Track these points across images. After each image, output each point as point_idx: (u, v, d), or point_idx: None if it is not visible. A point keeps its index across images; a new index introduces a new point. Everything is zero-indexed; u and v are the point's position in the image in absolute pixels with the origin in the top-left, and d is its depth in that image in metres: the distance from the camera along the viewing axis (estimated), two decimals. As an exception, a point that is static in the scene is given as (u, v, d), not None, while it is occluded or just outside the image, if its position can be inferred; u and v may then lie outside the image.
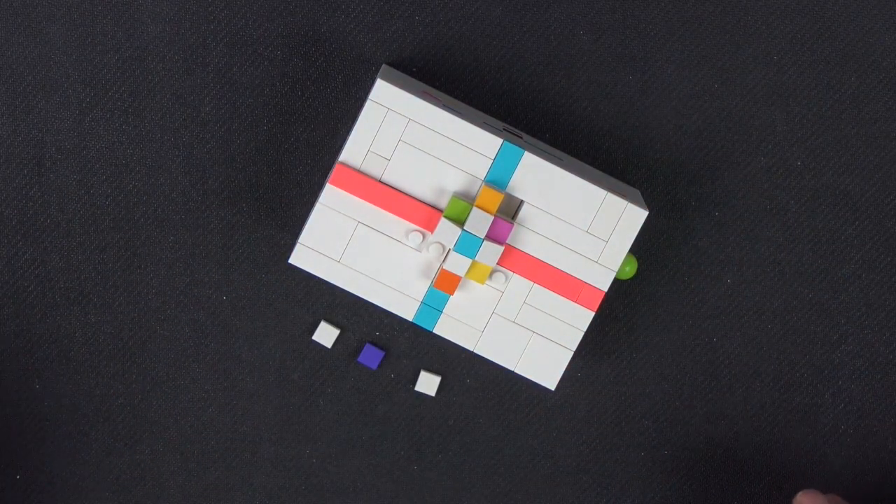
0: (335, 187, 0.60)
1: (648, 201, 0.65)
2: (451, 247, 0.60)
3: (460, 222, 0.60)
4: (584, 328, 0.62)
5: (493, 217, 0.59)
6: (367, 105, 0.59)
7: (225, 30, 0.66)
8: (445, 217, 0.60)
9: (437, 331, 0.62)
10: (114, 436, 0.66)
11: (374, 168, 0.60)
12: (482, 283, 0.61)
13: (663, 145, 0.66)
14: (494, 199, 0.60)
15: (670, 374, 0.67)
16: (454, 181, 0.60)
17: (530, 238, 0.61)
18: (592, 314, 0.62)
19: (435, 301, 0.62)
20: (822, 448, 0.67)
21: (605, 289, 0.62)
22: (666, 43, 0.66)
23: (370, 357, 0.66)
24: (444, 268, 0.60)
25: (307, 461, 0.67)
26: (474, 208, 0.59)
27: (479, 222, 0.59)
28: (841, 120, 0.67)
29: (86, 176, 0.66)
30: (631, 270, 0.63)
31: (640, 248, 0.66)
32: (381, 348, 0.66)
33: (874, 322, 0.67)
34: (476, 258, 0.60)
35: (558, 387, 0.67)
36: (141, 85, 0.66)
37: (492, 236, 0.60)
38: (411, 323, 0.66)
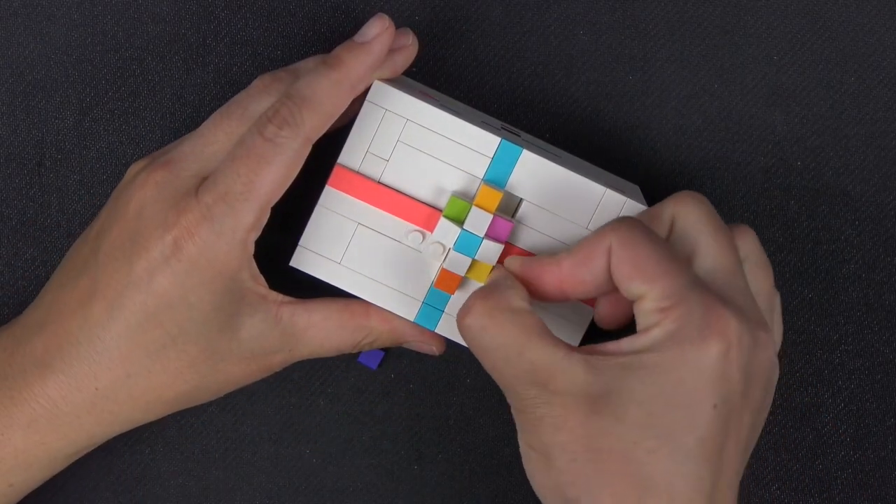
0: (334, 189, 0.60)
1: (648, 202, 0.65)
2: (451, 246, 0.60)
3: (460, 222, 0.60)
4: (586, 325, 0.62)
5: (492, 216, 0.60)
6: (365, 106, 0.59)
7: (225, 30, 0.66)
8: (445, 217, 0.60)
9: (438, 330, 0.62)
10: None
11: (372, 169, 0.60)
12: (483, 281, 0.61)
13: (663, 145, 0.66)
14: (493, 198, 0.60)
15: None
16: (453, 181, 0.60)
17: (530, 236, 0.61)
18: (594, 311, 0.62)
19: (436, 301, 0.62)
20: (822, 448, 0.67)
21: (606, 287, 0.62)
22: (666, 43, 0.66)
23: (370, 357, 0.66)
24: (445, 267, 0.61)
25: (307, 461, 0.67)
26: (473, 207, 0.59)
27: (479, 221, 0.59)
28: (841, 120, 0.67)
29: (86, 176, 0.66)
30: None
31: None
32: (382, 348, 0.66)
33: (874, 322, 0.67)
34: (476, 257, 0.60)
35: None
36: (141, 85, 0.66)
37: (491, 235, 0.60)
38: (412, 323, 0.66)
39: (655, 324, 0.54)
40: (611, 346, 0.55)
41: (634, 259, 0.55)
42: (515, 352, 0.55)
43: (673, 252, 0.55)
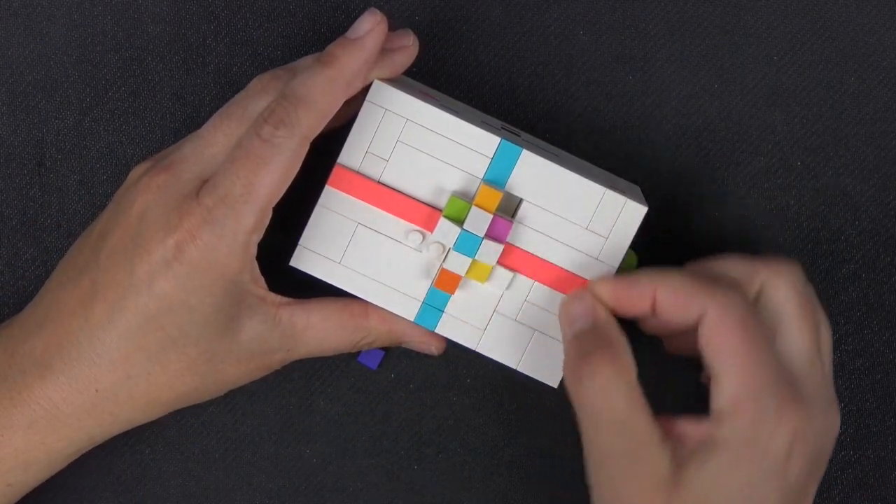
0: (334, 189, 0.60)
1: (648, 201, 0.65)
2: (451, 246, 0.60)
3: (460, 222, 0.60)
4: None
5: (491, 216, 0.59)
6: (365, 106, 0.59)
7: (225, 30, 0.66)
8: (445, 217, 0.60)
9: (438, 330, 0.62)
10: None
11: (372, 169, 0.60)
12: (483, 281, 0.61)
13: (663, 145, 0.66)
14: (493, 198, 0.60)
15: (670, 373, 0.67)
16: (453, 181, 0.60)
17: (530, 236, 0.61)
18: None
19: (436, 301, 0.62)
20: (822, 448, 0.67)
21: (606, 286, 0.61)
22: (666, 43, 0.66)
23: (370, 357, 0.66)
24: (445, 267, 0.60)
25: (307, 461, 0.67)
26: (473, 207, 0.59)
27: (479, 221, 0.59)
28: (841, 120, 0.67)
29: (86, 176, 0.66)
30: (632, 266, 0.63)
31: (641, 249, 0.66)
32: (382, 348, 0.66)
33: (874, 322, 0.67)
34: (476, 257, 0.60)
35: (559, 386, 0.66)
36: (141, 85, 0.66)
37: (491, 235, 0.60)
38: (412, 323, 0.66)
39: (730, 414, 0.55)
40: (690, 428, 0.56)
41: (727, 339, 0.55)
42: (620, 421, 0.55)
43: (763, 336, 0.56)
